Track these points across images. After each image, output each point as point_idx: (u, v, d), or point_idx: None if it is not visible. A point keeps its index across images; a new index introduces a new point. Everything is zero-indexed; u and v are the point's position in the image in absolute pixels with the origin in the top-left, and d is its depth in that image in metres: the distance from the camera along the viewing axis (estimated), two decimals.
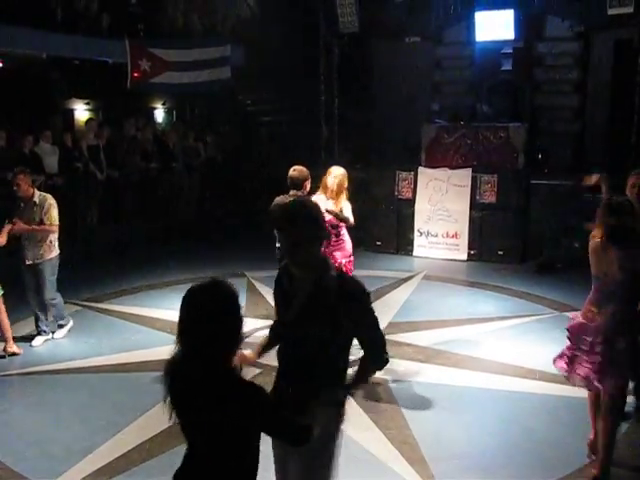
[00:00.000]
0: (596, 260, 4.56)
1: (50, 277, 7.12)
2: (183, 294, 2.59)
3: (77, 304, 8.45)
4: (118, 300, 8.72)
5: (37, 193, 7.14)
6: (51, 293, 7.15)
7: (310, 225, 3.04)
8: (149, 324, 7.58)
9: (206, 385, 2.48)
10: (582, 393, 5.51)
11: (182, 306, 2.54)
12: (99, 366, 6.59)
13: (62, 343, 7.22)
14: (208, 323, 2.47)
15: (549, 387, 5.92)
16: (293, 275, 3.14)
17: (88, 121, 13.07)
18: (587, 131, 13.34)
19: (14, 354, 6.79)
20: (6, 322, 6.79)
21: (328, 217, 6.96)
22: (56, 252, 7.17)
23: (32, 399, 5.97)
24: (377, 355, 3.40)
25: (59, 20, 12.58)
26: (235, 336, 2.54)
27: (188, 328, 2.52)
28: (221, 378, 2.50)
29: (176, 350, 2.56)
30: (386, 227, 11.62)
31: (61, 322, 7.38)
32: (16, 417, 5.59)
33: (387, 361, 3.41)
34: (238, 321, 2.55)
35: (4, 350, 6.77)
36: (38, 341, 7.15)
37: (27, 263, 7.03)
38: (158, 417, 5.41)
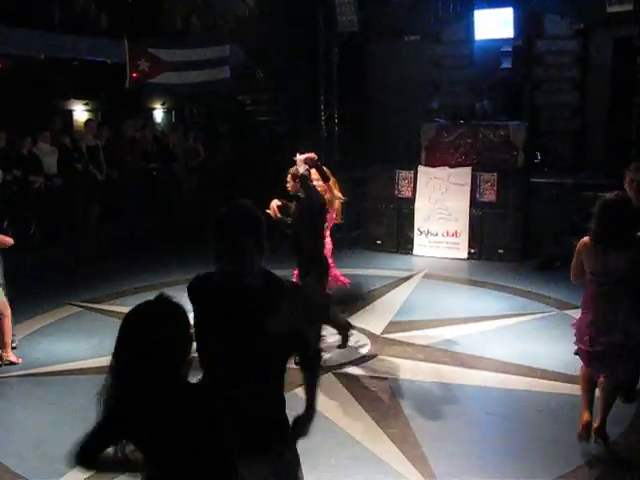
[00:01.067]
0: (589, 257, 4.62)
1: None
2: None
3: (77, 305, 8.45)
4: (119, 301, 8.70)
5: None
6: None
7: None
8: None
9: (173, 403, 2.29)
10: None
11: (120, 334, 2.36)
12: (100, 367, 6.56)
13: (62, 344, 7.20)
14: (152, 351, 2.27)
15: (551, 385, 5.92)
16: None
17: (87, 122, 13.07)
18: (587, 129, 13.34)
19: (12, 363, 6.54)
20: (9, 327, 6.57)
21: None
22: None
23: (33, 400, 5.96)
24: (316, 347, 3.10)
25: (57, 21, 12.57)
26: (180, 355, 2.34)
27: (131, 357, 2.33)
28: (181, 392, 2.33)
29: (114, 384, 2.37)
30: (386, 226, 11.61)
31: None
32: (17, 419, 5.58)
33: (321, 356, 3.11)
34: (183, 343, 2.34)
35: (0, 358, 6.54)
36: None
37: None
38: None
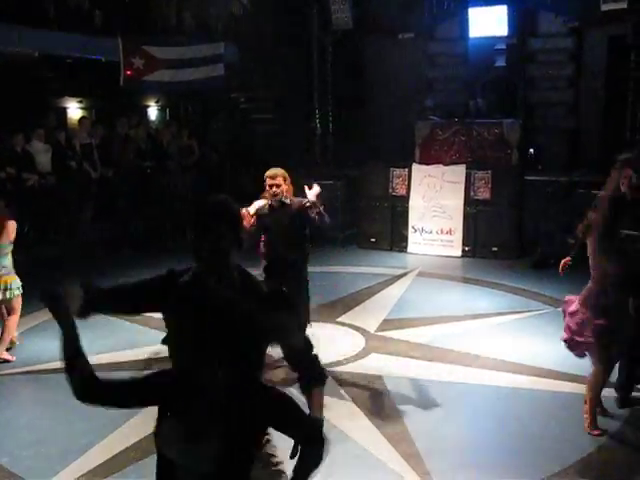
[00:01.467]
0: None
1: None
2: None
3: None
4: None
5: None
6: None
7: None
8: (143, 322, 7.55)
9: None
10: (577, 389, 5.55)
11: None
12: (94, 365, 6.55)
13: (57, 342, 7.15)
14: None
15: (544, 383, 5.93)
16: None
17: (81, 119, 13.01)
18: (581, 127, 13.35)
19: (6, 361, 6.53)
20: (13, 325, 6.56)
21: None
22: None
23: (28, 398, 5.96)
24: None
25: (51, 18, 12.52)
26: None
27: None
28: None
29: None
30: (380, 224, 11.62)
31: None
32: (12, 416, 5.56)
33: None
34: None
35: None
36: None
37: None
38: (153, 415, 5.40)
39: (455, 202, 11.07)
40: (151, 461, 4.67)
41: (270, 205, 6.03)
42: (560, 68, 13.50)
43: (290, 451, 2.58)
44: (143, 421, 5.30)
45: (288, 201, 5.99)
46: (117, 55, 11.92)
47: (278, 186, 5.94)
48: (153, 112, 16.77)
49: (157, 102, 16.56)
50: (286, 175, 6.04)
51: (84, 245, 11.29)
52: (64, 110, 14.66)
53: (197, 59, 12.68)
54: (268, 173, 6.01)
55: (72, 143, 11.95)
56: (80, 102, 14.86)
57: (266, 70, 14.46)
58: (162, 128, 14.65)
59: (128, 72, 11.97)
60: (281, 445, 2.93)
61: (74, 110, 14.80)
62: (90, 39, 12.70)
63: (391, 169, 11.65)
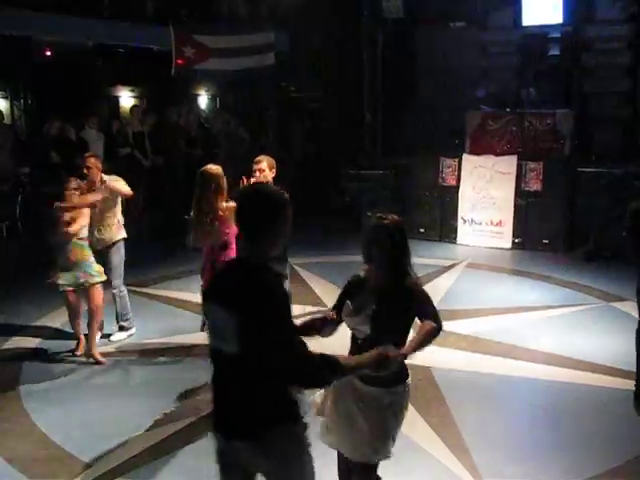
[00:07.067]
0: None
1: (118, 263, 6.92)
2: None
3: None
4: (163, 285, 8.83)
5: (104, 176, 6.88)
6: (118, 282, 6.92)
7: None
8: (192, 309, 7.65)
9: None
10: (630, 386, 5.42)
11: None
12: (144, 350, 6.68)
13: (108, 328, 7.29)
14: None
15: (596, 378, 5.82)
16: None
17: (133, 108, 13.20)
18: (637, 117, 13.01)
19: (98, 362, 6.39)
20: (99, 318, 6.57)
21: None
22: (124, 234, 7.01)
23: (79, 381, 6.07)
24: None
25: (105, 8, 12.71)
26: None
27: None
28: None
29: None
30: (430, 214, 11.53)
31: (123, 323, 7.02)
32: (64, 398, 5.69)
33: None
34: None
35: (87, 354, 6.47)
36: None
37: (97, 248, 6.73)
38: (202, 397, 5.47)
39: (505, 193, 10.92)
40: (197, 445, 4.75)
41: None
42: (617, 56, 13.15)
43: None
44: (192, 404, 5.38)
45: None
46: (169, 44, 12.02)
47: (262, 170, 5.99)
48: (203, 101, 16.92)
49: (207, 91, 16.70)
50: (273, 164, 6.06)
51: (135, 232, 11.45)
52: (116, 99, 14.89)
53: (248, 48, 12.69)
54: (256, 159, 6.12)
55: (124, 132, 12.12)
56: (132, 91, 15.07)
57: (316, 59, 14.44)
58: (212, 117, 14.76)
59: (179, 61, 12.05)
60: None
61: (126, 99, 15.02)
62: (142, 28, 12.86)
63: (441, 159, 11.54)
